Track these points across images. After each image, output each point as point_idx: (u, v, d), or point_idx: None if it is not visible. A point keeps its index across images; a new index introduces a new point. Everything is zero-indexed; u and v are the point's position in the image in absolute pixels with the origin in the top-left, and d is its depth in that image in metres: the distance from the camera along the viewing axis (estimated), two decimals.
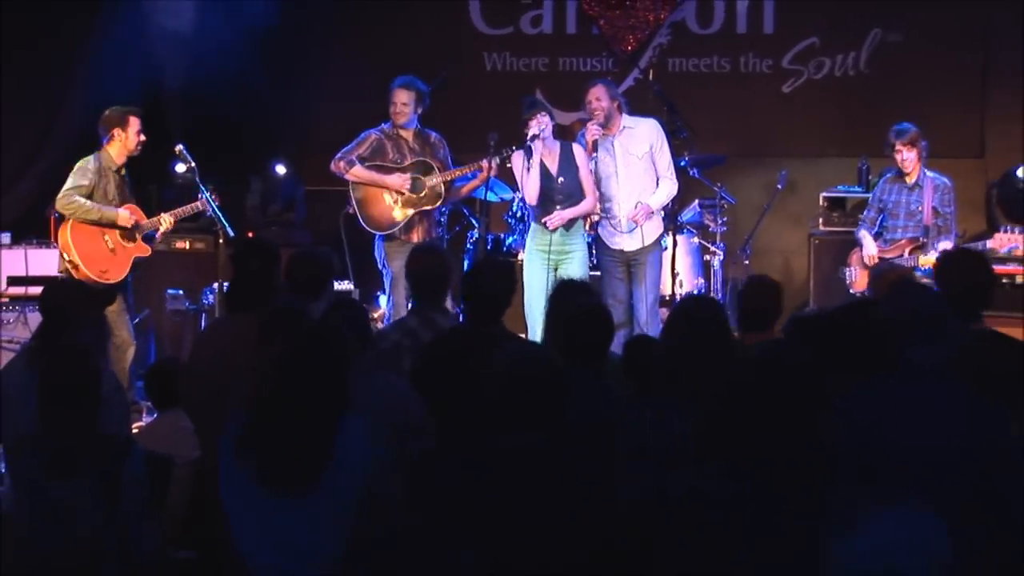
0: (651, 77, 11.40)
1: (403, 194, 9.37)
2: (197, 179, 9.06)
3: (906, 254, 9.19)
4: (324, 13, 12.15)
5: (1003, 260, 9.48)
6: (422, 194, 9.40)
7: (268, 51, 11.66)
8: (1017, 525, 4.01)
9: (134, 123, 8.88)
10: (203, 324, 10.17)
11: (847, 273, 9.61)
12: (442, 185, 9.42)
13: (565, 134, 9.74)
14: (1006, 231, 9.12)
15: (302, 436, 4.37)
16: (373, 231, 9.50)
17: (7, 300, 10.22)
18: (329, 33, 12.26)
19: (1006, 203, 11.15)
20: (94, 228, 8.80)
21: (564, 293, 6.16)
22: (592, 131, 8.87)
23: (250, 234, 10.62)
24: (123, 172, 8.96)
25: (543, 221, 8.85)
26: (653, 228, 8.96)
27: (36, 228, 10.57)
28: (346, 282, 10.30)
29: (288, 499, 4.37)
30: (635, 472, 4.33)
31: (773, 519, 3.59)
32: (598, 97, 8.86)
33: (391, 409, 4.99)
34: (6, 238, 10.54)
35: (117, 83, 10.66)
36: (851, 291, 9.49)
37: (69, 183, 8.77)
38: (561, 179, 8.89)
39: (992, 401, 4.27)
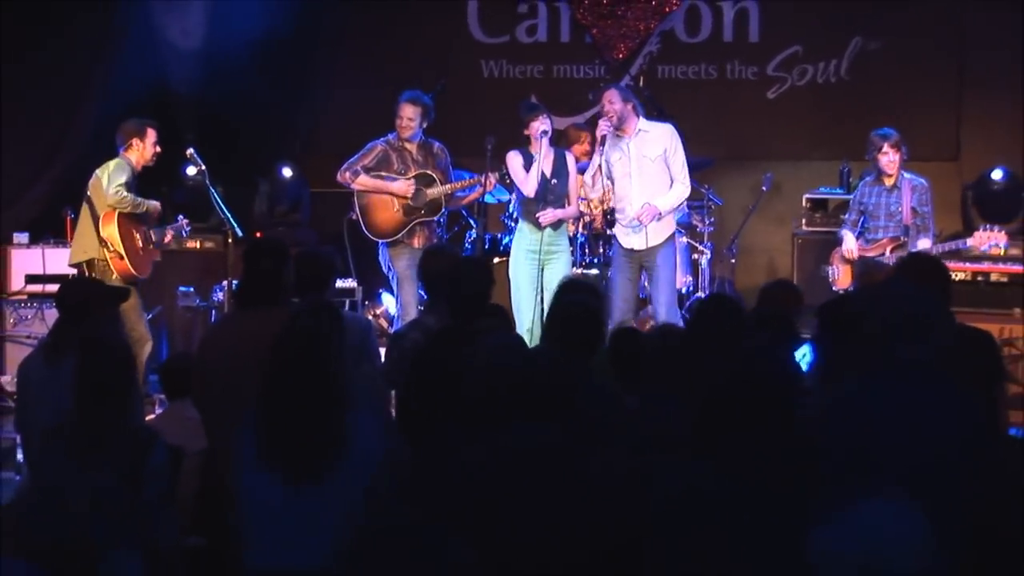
0: (641, 84, 11.43)
1: (406, 200, 9.40)
2: (207, 181, 9.06)
3: (887, 252, 9.18)
4: (328, 24, 12.16)
5: (978, 259, 9.48)
6: (423, 205, 9.43)
7: (274, 60, 11.68)
8: (995, 518, 4.00)
9: (151, 134, 8.91)
10: (213, 320, 10.19)
11: (829, 271, 9.60)
12: (443, 197, 9.47)
13: (559, 139, 9.77)
14: (986, 229, 9.09)
15: (312, 429, 4.37)
16: (376, 238, 9.51)
17: (25, 297, 10.25)
18: (333, 42, 12.26)
19: (981, 204, 11.15)
20: (132, 227, 8.84)
21: (562, 290, 6.19)
22: (601, 127, 8.92)
23: (258, 234, 10.60)
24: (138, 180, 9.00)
25: (536, 216, 8.93)
26: (661, 229, 8.91)
27: (52, 228, 10.56)
28: (350, 280, 10.30)
29: (299, 491, 4.37)
30: (621, 464, 4.32)
31: (762, 513, 3.58)
32: (611, 100, 8.89)
33: None
34: (24, 238, 10.54)
35: (130, 90, 10.69)
36: (834, 288, 9.49)
37: (116, 180, 8.74)
38: (554, 181, 9.01)
39: (976, 397, 4.27)
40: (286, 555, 4.41)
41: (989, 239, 8.86)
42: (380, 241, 9.51)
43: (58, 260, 10.07)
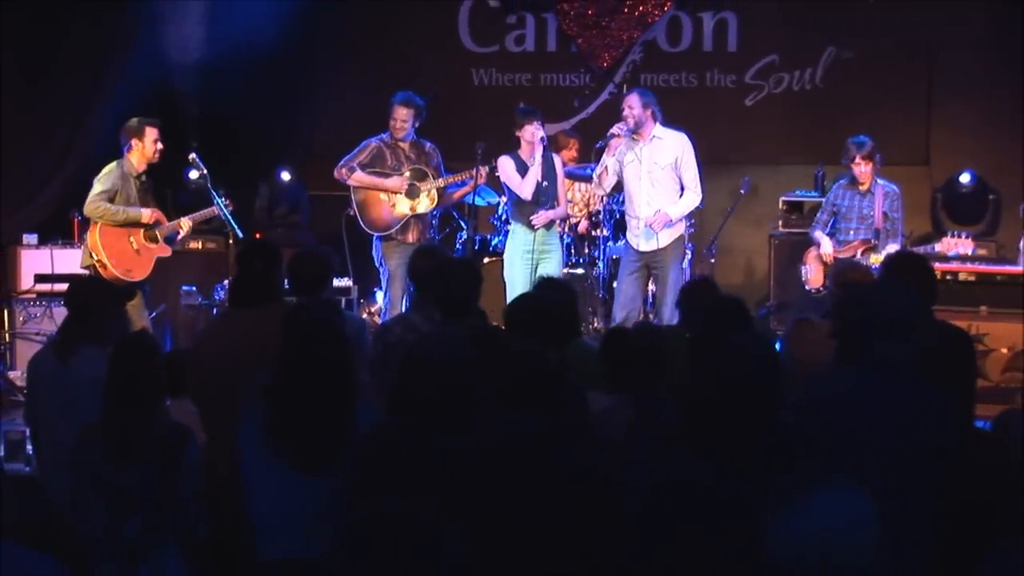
0: (625, 91, 11.41)
1: (400, 196, 9.44)
2: (209, 185, 9.05)
3: (858, 254, 9.20)
4: (327, 35, 12.17)
5: (946, 259, 9.50)
6: (417, 198, 9.45)
7: (274, 69, 11.69)
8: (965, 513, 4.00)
9: (151, 133, 8.85)
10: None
11: (803, 271, 9.63)
12: (435, 191, 9.49)
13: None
14: (953, 236, 9.11)
15: (321, 419, 4.38)
16: (372, 232, 9.55)
17: (34, 296, 10.25)
18: (331, 52, 12.27)
19: (950, 206, 11.18)
20: (120, 230, 8.80)
21: (536, 286, 6.25)
22: (616, 128, 8.98)
23: (258, 235, 10.61)
24: (144, 178, 8.95)
25: (530, 219, 9.03)
26: (670, 232, 8.96)
27: (61, 229, 10.56)
28: (346, 279, 10.30)
29: (308, 481, 4.37)
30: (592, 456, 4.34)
31: (744, 504, 3.56)
32: (630, 105, 8.95)
33: None
34: (33, 239, 10.54)
35: (137, 96, 10.66)
36: (806, 287, 9.51)
37: (95, 189, 8.76)
38: (545, 183, 9.06)
39: (954, 395, 4.26)
40: (294, 545, 4.41)
41: (956, 246, 8.89)
42: (375, 235, 9.56)
43: (66, 260, 10.10)
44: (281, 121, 12.04)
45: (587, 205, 10.58)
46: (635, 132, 8.93)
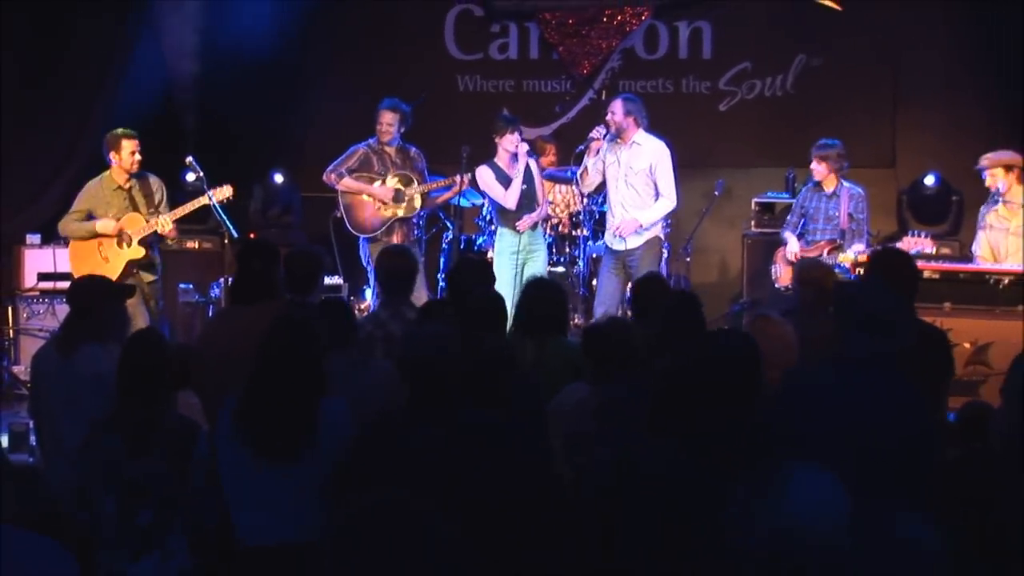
0: (604, 97, 11.47)
1: (386, 203, 9.46)
2: (205, 187, 9.04)
3: (825, 253, 9.24)
4: (318, 43, 12.18)
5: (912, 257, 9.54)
6: (402, 203, 9.49)
7: (269, 75, 11.74)
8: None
9: (127, 146, 8.76)
10: (211, 314, 10.21)
11: (773, 270, 9.67)
12: (419, 196, 9.53)
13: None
14: (914, 235, 9.14)
15: (287, 413, 4.40)
16: (358, 234, 9.59)
17: (38, 293, 10.25)
18: (322, 59, 12.28)
19: (915, 207, 11.22)
20: (88, 243, 8.79)
21: (527, 286, 6.31)
22: (596, 131, 9.02)
23: (252, 235, 10.63)
24: (130, 187, 8.88)
25: (516, 225, 9.13)
26: (637, 237, 9.00)
27: None
28: (336, 277, 10.33)
29: (276, 469, 4.39)
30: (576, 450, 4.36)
31: (717, 491, 3.55)
32: (613, 111, 8.99)
33: (377, 396, 5.03)
34: (36, 239, 10.55)
35: (137, 100, 10.67)
36: (776, 285, 9.56)
37: (71, 209, 8.82)
38: (524, 186, 9.11)
39: (927, 392, 4.26)
40: (268, 531, 4.44)
41: (918, 244, 8.93)
42: (361, 237, 9.61)
43: (67, 260, 10.06)
44: (275, 125, 12.04)
45: (567, 206, 10.62)
46: (618, 136, 8.96)
